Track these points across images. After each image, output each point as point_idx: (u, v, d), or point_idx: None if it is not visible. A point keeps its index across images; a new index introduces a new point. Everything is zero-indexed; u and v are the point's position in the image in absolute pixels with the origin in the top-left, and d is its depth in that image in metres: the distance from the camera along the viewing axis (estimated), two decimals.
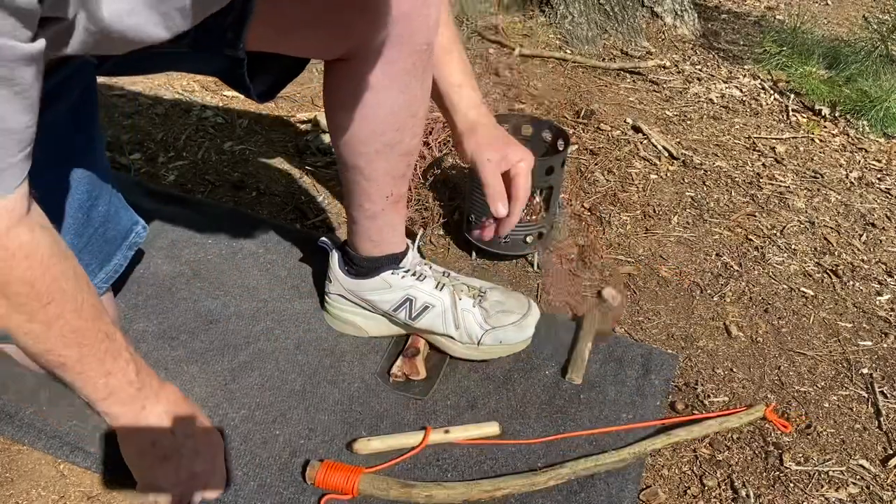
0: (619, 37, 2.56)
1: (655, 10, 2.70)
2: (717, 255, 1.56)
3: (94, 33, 0.65)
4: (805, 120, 2.18)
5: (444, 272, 1.22)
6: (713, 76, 2.40)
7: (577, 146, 1.89)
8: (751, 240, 1.62)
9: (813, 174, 1.91)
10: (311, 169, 1.72)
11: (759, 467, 1.09)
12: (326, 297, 1.24)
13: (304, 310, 1.28)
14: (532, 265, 1.47)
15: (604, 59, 2.43)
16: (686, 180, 1.82)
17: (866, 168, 1.97)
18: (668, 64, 2.44)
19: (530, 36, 2.52)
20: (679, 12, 2.71)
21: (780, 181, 1.87)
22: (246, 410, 1.08)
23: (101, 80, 1.06)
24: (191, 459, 0.92)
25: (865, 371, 1.30)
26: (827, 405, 1.22)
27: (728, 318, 1.39)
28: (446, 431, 1.06)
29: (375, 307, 1.19)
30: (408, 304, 1.16)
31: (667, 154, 1.92)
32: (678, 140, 2.00)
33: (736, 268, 1.53)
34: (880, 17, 2.99)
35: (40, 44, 0.61)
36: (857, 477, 1.09)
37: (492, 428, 1.08)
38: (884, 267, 1.58)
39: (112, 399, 0.84)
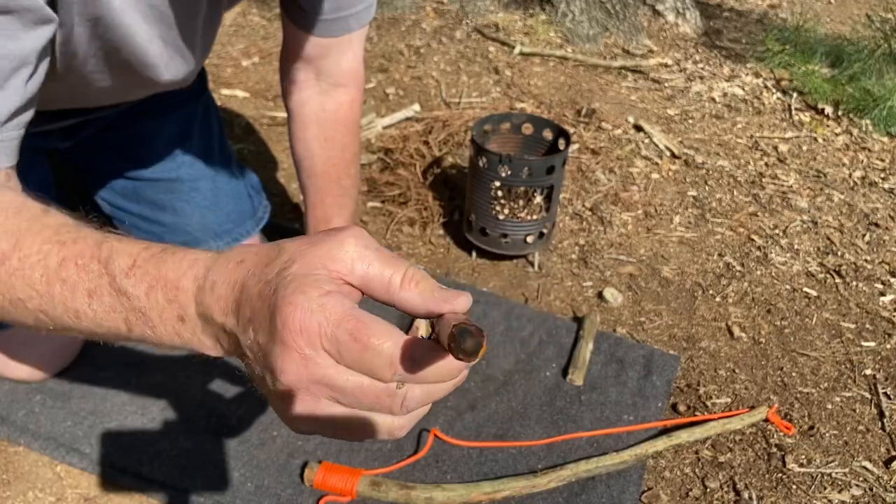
0: (620, 35, 2.55)
1: (657, 7, 2.69)
2: (719, 255, 1.55)
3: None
4: (808, 119, 2.17)
5: None
6: (715, 75, 2.39)
7: (578, 145, 1.88)
8: (753, 240, 1.61)
9: (816, 173, 1.90)
10: None
11: (762, 469, 1.09)
12: None
13: None
14: (532, 265, 1.46)
15: (605, 58, 2.42)
16: (688, 180, 1.81)
17: (870, 167, 1.96)
18: (669, 62, 2.43)
19: (531, 34, 2.51)
20: (681, 10, 2.70)
21: (783, 181, 1.86)
22: (243, 411, 1.07)
23: None
24: (283, 297, 0.48)
25: (868, 372, 1.29)
26: (830, 407, 1.21)
27: (730, 318, 1.38)
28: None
29: None
30: None
31: (669, 153, 1.91)
32: (680, 139, 1.99)
33: (738, 268, 1.52)
34: (884, 15, 2.98)
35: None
36: (860, 479, 1.09)
37: None
38: (887, 267, 1.57)
39: (138, 323, 0.53)
